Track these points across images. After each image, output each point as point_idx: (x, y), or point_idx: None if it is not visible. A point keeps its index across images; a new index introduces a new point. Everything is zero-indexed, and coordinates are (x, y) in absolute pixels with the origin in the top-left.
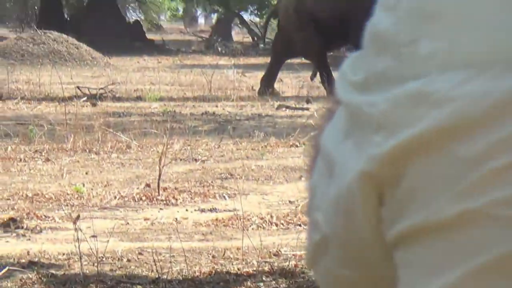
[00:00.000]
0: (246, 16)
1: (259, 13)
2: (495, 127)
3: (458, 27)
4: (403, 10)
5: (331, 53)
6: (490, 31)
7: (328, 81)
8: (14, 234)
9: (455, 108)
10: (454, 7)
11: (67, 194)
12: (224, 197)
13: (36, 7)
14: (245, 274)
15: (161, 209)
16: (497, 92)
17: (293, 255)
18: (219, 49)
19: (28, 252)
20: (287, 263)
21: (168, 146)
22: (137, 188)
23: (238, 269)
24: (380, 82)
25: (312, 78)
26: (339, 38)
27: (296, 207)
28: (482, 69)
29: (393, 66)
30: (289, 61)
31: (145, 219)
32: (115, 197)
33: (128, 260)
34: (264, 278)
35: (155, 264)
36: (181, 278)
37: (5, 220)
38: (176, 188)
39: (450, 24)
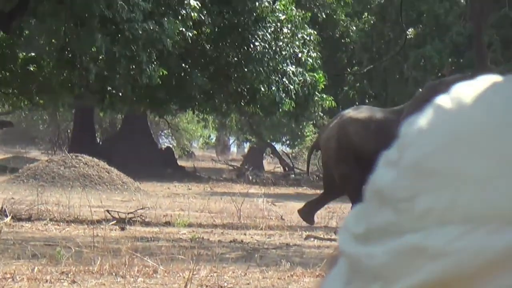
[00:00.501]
0: (278, 147)
1: (291, 143)
2: (490, 281)
3: (456, 184)
4: (403, 166)
5: None
6: (487, 188)
7: None
8: None
9: (451, 262)
10: (452, 164)
11: None
12: None
13: (68, 130)
14: None
15: None
16: (493, 247)
17: None
18: (250, 178)
19: None
20: None
21: (195, 273)
22: None
23: None
24: (380, 234)
25: None
26: None
27: None
28: (479, 224)
29: (392, 220)
30: (319, 191)
31: None
32: None
33: None
34: None
35: None
36: None
37: None
38: None
39: (448, 181)
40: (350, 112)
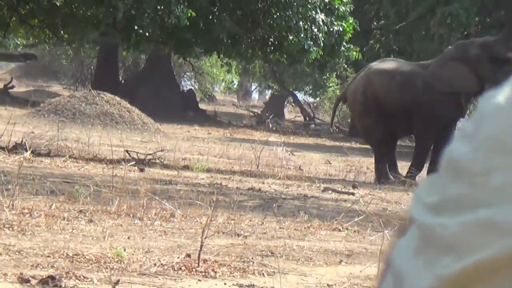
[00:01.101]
0: (300, 96)
1: (313, 93)
2: None
3: None
4: (480, 140)
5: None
6: None
7: (388, 169)
8: None
9: None
10: None
11: (108, 257)
12: (263, 274)
13: (92, 67)
14: None
15: (199, 280)
16: None
17: None
18: (270, 125)
19: None
20: None
21: (212, 219)
22: (178, 258)
23: None
24: (453, 206)
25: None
26: (402, 128)
27: None
28: None
29: (466, 193)
30: (339, 143)
31: None
32: (155, 265)
33: None
34: None
35: None
36: None
37: (44, 277)
38: (216, 261)
39: None
40: (377, 64)
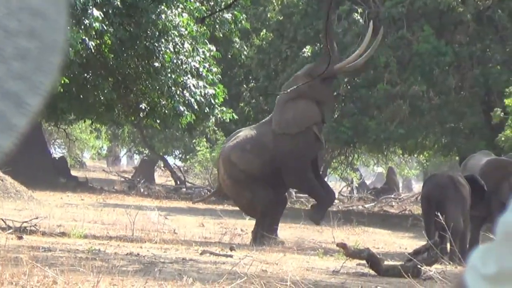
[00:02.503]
0: (170, 160)
1: (183, 157)
2: None
3: None
4: None
5: None
6: None
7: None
8: None
9: None
10: None
11: None
12: None
13: None
14: None
15: None
16: None
17: None
18: (142, 190)
19: None
20: None
21: (94, 285)
22: None
23: None
24: None
25: None
26: (278, 185)
27: None
28: None
29: None
30: (212, 206)
31: None
32: None
33: None
34: None
35: None
36: None
37: None
38: None
39: None
40: (228, 142)
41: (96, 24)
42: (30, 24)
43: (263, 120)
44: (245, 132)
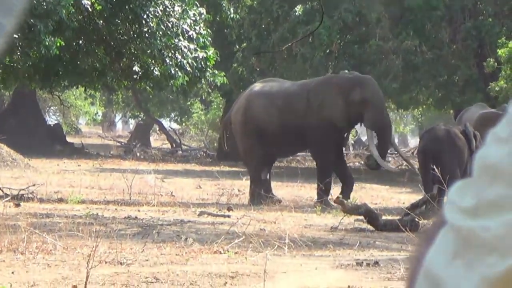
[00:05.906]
0: (166, 123)
1: (178, 120)
2: None
3: None
4: None
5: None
6: None
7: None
8: None
9: None
10: None
11: None
12: None
13: None
14: None
15: None
16: None
17: None
18: (138, 154)
19: None
20: None
21: (93, 249)
22: None
23: None
24: (493, 208)
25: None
26: (284, 151)
27: None
28: None
29: (507, 194)
30: (208, 168)
31: None
32: None
33: None
34: None
35: None
36: None
37: None
38: None
39: None
40: (257, 85)
41: None
42: None
43: (302, 81)
44: (279, 86)
